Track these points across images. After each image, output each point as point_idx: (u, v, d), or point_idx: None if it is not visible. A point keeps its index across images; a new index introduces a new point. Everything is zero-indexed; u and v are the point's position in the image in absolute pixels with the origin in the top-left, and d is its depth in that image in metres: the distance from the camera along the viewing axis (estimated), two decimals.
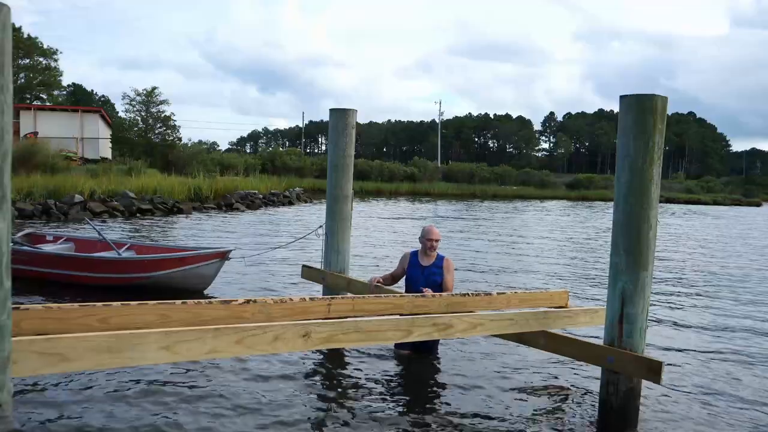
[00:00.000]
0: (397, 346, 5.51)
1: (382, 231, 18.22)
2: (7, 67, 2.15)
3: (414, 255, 5.56)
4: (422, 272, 5.41)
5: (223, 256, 7.98)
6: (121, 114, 39.23)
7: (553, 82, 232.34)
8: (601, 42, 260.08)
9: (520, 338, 4.77)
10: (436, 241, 5.45)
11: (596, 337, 5.30)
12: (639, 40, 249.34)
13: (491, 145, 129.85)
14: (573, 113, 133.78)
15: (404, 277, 5.58)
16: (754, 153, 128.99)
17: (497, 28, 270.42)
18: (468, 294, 5.01)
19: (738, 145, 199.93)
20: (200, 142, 46.73)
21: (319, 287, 6.43)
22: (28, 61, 47.36)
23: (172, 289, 7.60)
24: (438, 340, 5.53)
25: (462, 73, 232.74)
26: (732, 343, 6.74)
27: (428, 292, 5.00)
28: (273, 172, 42.35)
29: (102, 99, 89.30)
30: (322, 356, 5.44)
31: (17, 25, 47.18)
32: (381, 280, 5.48)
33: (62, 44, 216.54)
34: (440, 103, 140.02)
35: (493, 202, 43.61)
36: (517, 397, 4.76)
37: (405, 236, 16.87)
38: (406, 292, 5.46)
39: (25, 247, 8.57)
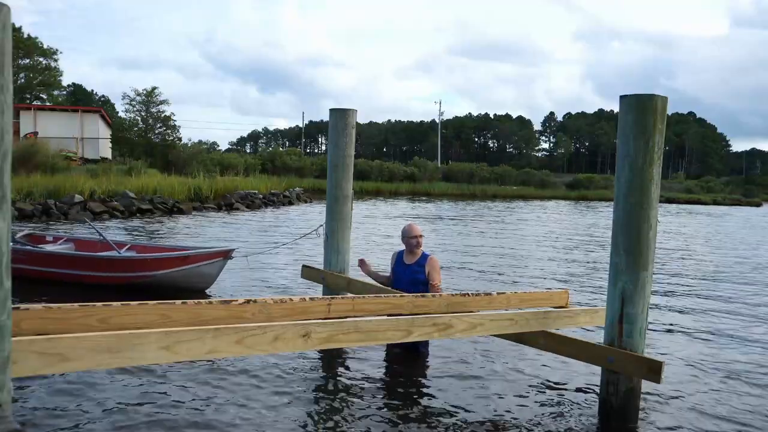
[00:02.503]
0: (389, 344, 5.48)
1: (383, 231, 18.21)
2: (7, 67, 2.15)
3: (400, 254, 5.63)
4: (405, 270, 5.47)
5: (226, 255, 7.97)
6: (121, 114, 39.28)
7: (553, 82, 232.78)
8: (601, 42, 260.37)
9: (520, 338, 4.76)
10: (420, 237, 5.48)
11: (595, 334, 5.31)
12: (639, 40, 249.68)
13: (491, 145, 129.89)
14: (573, 113, 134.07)
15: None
16: (754, 153, 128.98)
17: (497, 28, 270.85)
18: (468, 294, 5.01)
19: (738, 145, 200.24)
20: (200, 142, 46.62)
21: (319, 287, 6.43)
22: (28, 61, 47.35)
23: (175, 289, 7.60)
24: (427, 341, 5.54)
25: (462, 73, 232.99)
26: (732, 342, 6.74)
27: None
28: (273, 172, 42.33)
29: (102, 99, 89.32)
30: (322, 356, 5.44)
31: (17, 25, 47.19)
32: (368, 265, 5.74)
33: (62, 44, 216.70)
34: (440, 103, 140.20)
35: (493, 202, 43.60)
36: (517, 397, 4.76)
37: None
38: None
39: (27, 247, 8.53)
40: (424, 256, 5.47)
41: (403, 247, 5.68)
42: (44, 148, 23.36)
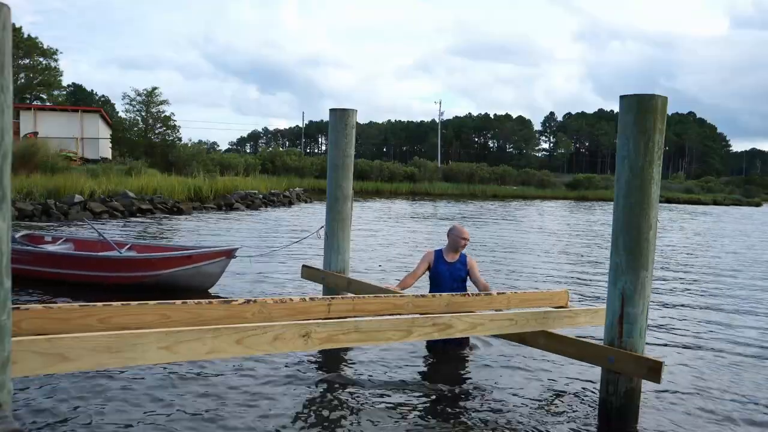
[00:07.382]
0: (429, 342, 5.70)
1: (384, 231, 18.21)
2: (7, 67, 2.15)
3: (439, 252, 5.81)
4: (449, 267, 5.69)
5: (229, 254, 7.94)
6: (121, 114, 39.33)
7: (553, 82, 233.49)
8: (601, 42, 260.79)
9: (520, 338, 4.77)
10: (467, 241, 5.77)
11: (596, 337, 5.31)
12: (639, 40, 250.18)
13: (491, 145, 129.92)
14: (573, 113, 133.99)
15: (428, 275, 5.82)
16: (754, 153, 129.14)
17: (497, 29, 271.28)
18: (468, 294, 5.01)
19: (738, 145, 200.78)
20: (200, 142, 46.56)
21: (319, 287, 6.43)
22: (28, 61, 47.30)
23: (178, 288, 7.58)
24: (468, 337, 5.68)
25: (462, 73, 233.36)
26: (732, 342, 6.74)
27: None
28: (273, 172, 42.30)
29: (102, 99, 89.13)
30: (322, 356, 5.44)
31: (17, 25, 47.17)
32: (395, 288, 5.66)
33: (62, 44, 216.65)
34: (440, 103, 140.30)
35: (492, 202, 43.59)
36: (517, 397, 4.76)
37: (406, 236, 16.87)
38: (432, 288, 5.68)
39: (29, 247, 8.51)
40: (464, 256, 5.79)
41: (436, 247, 5.96)
42: (44, 148, 23.33)
